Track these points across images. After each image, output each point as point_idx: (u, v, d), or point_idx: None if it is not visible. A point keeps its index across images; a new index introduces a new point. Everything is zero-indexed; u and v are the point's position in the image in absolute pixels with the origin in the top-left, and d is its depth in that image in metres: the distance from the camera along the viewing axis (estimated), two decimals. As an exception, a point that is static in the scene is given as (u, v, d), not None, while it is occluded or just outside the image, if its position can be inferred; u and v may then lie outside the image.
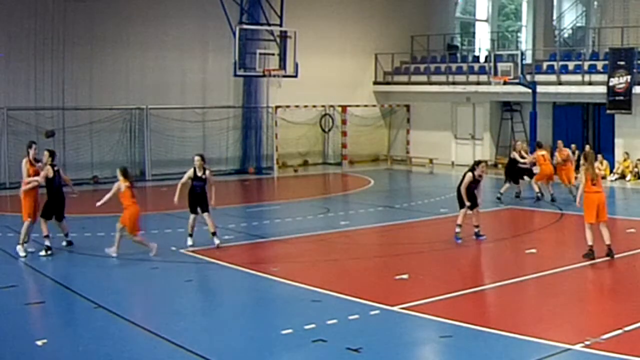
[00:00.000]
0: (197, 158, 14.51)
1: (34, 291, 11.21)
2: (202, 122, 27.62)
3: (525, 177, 20.86)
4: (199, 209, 14.36)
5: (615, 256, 13.03)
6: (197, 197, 14.38)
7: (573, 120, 28.41)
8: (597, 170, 13.67)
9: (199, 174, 14.32)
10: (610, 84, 25.22)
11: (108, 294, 11.02)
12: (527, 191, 20.93)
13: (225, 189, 21.57)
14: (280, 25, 25.33)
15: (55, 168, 14.19)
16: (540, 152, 20.59)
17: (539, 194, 20.17)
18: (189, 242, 14.40)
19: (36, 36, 23.68)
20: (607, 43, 27.99)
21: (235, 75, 24.81)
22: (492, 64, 26.97)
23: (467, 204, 14.90)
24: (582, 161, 13.67)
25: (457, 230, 14.92)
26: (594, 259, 12.82)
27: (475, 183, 15.00)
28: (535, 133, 27.14)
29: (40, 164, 14.20)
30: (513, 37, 40.11)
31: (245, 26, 24.39)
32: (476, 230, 15.06)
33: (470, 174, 14.94)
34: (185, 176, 14.48)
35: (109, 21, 25.18)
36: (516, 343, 8.82)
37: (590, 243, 12.90)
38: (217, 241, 14.20)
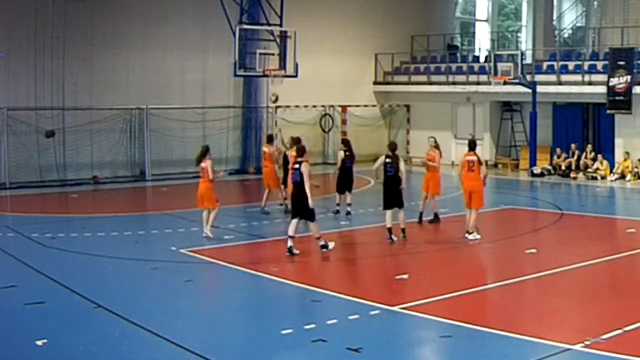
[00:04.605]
0: None
1: (34, 291, 11.20)
2: (202, 122, 27.59)
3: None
4: None
5: (616, 256, 13.07)
6: None
7: (573, 120, 28.40)
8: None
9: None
10: (610, 84, 25.21)
11: (108, 294, 11.02)
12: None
13: (225, 188, 21.56)
14: (280, 25, 25.31)
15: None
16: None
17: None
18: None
19: (36, 36, 23.67)
20: (607, 43, 27.98)
21: (235, 75, 24.78)
22: (492, 64, 26.94)
23: None
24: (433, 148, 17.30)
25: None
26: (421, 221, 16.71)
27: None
28: (535, 133, 27.16)
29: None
30: (513, 37, 40.11)
31: (245, 26, 24.36)
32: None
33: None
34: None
35: (109, 21, 25.17)
36: (516, 343, 8.82)
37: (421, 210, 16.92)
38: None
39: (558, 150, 27.30)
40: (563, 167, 26.75)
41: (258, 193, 19.56)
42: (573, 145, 27.00)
